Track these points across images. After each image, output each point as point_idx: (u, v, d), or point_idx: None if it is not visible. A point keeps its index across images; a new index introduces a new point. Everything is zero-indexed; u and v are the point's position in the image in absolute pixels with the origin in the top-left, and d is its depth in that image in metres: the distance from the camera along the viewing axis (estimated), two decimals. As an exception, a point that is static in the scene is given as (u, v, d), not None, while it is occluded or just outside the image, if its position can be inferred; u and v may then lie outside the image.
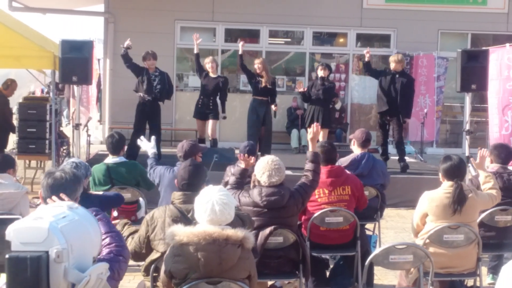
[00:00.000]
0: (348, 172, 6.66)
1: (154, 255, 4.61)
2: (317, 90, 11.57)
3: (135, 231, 4.78)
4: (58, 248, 2.39)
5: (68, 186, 3.74)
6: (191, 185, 4.68)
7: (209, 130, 11.78)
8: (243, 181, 5.78)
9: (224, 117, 11.88)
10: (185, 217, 4.43)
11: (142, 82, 11.20)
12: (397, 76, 11.37)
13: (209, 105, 11.67)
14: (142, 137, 7.42)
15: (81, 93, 12.53)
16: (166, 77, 11.44)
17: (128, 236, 4.81)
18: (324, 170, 6.27)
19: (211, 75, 11.68)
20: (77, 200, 3.76)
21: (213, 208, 3.84)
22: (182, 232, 3.80)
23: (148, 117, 11.33)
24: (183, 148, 6.56)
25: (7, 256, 2.35)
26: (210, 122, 11.76)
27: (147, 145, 6.99)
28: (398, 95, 11.29)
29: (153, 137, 7.18)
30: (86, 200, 4.68)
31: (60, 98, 16.78)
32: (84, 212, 2.61)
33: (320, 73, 11.53)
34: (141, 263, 6.76)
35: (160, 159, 11.40)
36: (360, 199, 6.45)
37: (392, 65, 11.40)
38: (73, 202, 2.73)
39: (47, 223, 2.41)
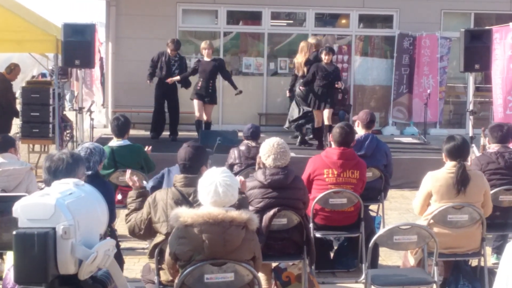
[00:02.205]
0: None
1: (157, 238, 4.61)
2: (324, 76, 11.15)
3: (140, 209, 4.73)
4: (65, 224, 2.40)
5: (64, 168, 3.75)
6: (188, 166, 4.67)
7: (204, 115, 11.82)
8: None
9: (240, 92, 11.99)
10: (186, 200, 4.43)
11: (161, 68, 11.95)
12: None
13: (208, 88, 11.74)
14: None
15: (84, 76, 12.54)
16: (184, 62, 12.14)
17: (132, 211, 4.80)
18: (336, 151, 6.27)
19: (206, 59, 11.73)
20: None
21: (216, 190, 3.85)
22: (186, 214, 3.81)
23: (166, 97, 12.20)
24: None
25: (14, 232, 2.36)
26: (207, 107, 11.86)
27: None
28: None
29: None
30: (92, 184, 4.55)
31: (63, 82, 16.74)
32: (91, 189, 2.62)
33: (325, 58, 11.10)
34: (145, 247, 6.81)
35: (177, 136, 12.14)
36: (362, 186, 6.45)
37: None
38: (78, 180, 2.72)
39: (54, 200, 2.42)
